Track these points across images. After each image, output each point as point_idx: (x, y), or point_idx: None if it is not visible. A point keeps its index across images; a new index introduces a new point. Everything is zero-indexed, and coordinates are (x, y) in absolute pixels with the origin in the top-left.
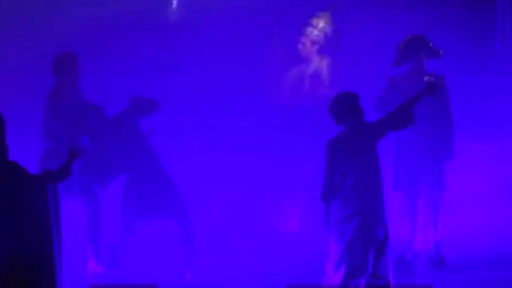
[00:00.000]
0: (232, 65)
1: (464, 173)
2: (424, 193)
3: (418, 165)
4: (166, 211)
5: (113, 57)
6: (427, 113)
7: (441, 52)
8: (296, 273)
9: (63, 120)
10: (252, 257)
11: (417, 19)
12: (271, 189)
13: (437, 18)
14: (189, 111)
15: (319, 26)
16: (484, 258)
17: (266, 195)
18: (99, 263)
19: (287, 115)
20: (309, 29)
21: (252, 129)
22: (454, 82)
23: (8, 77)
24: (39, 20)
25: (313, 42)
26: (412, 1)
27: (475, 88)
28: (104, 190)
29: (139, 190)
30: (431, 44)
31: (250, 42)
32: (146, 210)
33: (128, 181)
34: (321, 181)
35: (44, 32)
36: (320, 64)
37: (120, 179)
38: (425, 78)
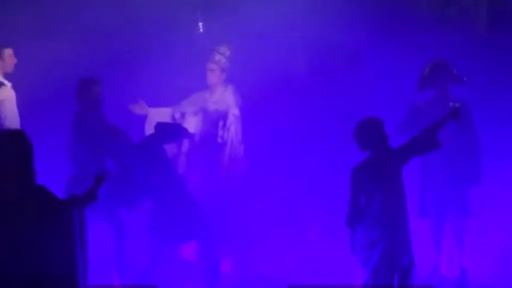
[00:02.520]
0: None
1: (491, 198)
2: (450, 218)
3: (444, 190)
4: (192, 235)
5: (137, 81)
6: (452, 138)
7: (465, 78)
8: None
9: (87, 145)
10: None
11: (439, 42)
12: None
13: (460, 42)
14: None
15: (226, 54)
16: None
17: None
18: None
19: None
20: (217, 56)
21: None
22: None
23: (36, 100)
24: (64, 46)
25: (223, 70)
26: (434, 23)
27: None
28: (131, 214)
29: (165, 214)
30: (455, 70)
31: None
32: (172, 235)
33: (153, 205)
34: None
35: (72, 57)
36: (225, 91)
37: (146, 204)
38: (450, 104)
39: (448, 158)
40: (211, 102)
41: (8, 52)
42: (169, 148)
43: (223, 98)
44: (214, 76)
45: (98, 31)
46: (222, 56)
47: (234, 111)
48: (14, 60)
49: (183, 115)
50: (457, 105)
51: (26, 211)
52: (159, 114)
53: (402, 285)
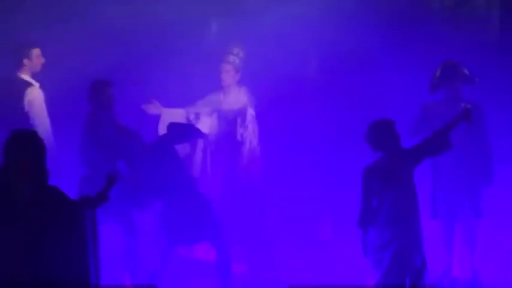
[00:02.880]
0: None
1: (503, 200)
2: (461, 220)
3: (456, 191)
4: (203, 236)
5: (149, 82)
6: (464, 139)
7: (477, 79)
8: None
9: (99, 145)
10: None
11: (451, 43)
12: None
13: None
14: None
15: (240, 55)
16: None
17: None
18: None
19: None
20: (231, 57)
21: None
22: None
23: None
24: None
25: (237, 70)
26: (446, 24)
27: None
28: (141, 214)
29: (176, 215)
30: (466, 71)
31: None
32: (183, 236)
33: (165, 206)
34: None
35: (84, 58)
36: (239, 92)
37: (157, 204)
38: (462, 104)
39: (460, 159)
40: (226, 102)
41: (36, 52)
42: (183, 148)
43: (238, 99)
44: (228, 77)
45: (109, 32)
46: (236, 57)
47: (250, 111)
48: (42, 60)
49: (197, 116)
50: (469, 106)
51: (38, 211)
52: (172, 115)
53: (414, 287)
